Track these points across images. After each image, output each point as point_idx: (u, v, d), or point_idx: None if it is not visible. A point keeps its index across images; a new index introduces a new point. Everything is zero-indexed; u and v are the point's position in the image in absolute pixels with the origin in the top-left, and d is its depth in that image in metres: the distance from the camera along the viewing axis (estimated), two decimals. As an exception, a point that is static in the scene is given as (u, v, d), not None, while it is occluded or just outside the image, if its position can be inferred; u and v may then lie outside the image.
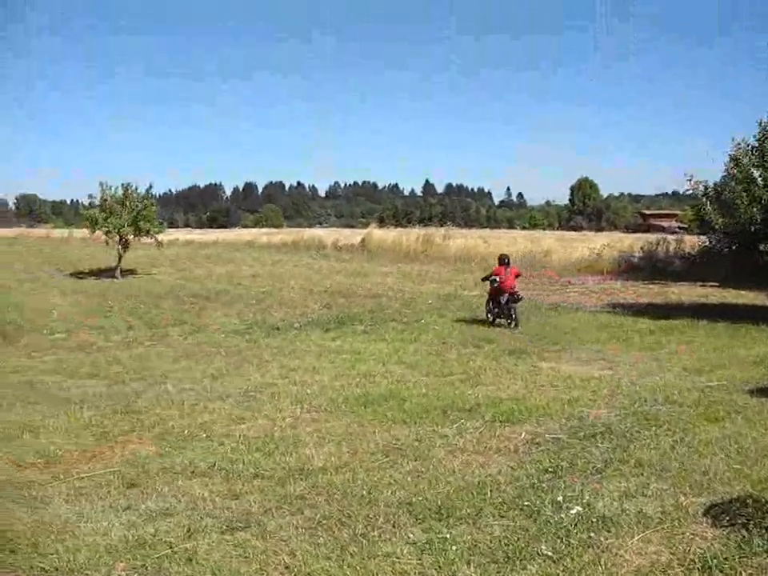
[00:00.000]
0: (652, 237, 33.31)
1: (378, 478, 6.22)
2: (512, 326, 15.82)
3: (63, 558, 4.83)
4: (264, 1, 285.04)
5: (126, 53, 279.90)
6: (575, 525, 5.13)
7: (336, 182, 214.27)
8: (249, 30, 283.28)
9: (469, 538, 4.98)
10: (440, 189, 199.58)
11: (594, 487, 5.87)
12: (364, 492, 5.87)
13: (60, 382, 10.84)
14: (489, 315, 16.69)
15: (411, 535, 5.04)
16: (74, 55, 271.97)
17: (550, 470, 6.34)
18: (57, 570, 4.72)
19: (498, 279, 16.48)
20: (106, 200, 26.57)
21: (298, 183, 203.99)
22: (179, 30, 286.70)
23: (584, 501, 5.56)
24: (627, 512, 5.35)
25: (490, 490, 5.82)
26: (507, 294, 16.19)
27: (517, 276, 17.01)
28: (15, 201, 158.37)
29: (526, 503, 5.53)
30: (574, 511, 5.33)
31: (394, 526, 5.21)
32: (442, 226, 44.75)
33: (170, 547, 4.99)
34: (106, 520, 5.50)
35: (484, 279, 17.42)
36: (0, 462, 7.03)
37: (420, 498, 5.66)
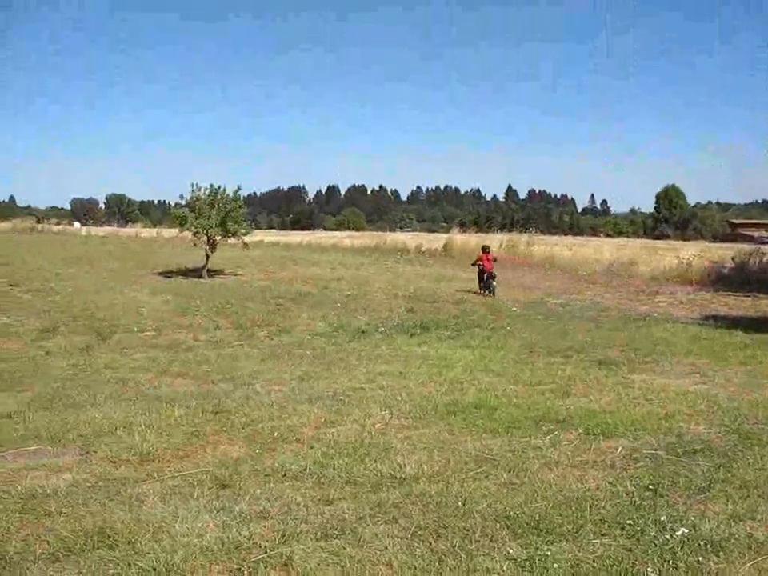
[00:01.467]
0: (745, 247, 32.36)
1: (472, 488, 6.11)
2: (491, 295, 22.74)
3: (161, 558, 4.85)
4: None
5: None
6: (681, 547, 4.93)
7: (418, 186, 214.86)
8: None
9: (570, 556, 4.84)
10: (522, 194, 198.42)
11: (698, 508, 5.66)
12: (459, 503, 5.76)
13: (151, 380, 11.00)
14: (480, 289, 23.57)
15: (510, 550, 4.92)
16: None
17: (650, 487, 6.13)
18: (154, 570, 4.73)
19: (481, 264, 23.69)
20: (195, 200, 26.97)
21: (380, 187, 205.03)
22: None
23: (689, 522, 5.35)
24: (736, 536, 5.12)
25: (590, 506, 5.65)
26: (487, 273, 23.34)
27: (494, 260, 24.31)
28: (105, 200, 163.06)
29: (627, 522, 5.35)
30: (679, 533, 5.13)
31: (491, 540, 5.09)
32: (523, 231, 44.23)
33: (265, 552, 4.97)
34: (201, 521, 5.51)
35: (473, 264, 24.58)
36: (96, 458, 7.15)
37: (517, 512, 5.53)
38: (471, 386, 10.27)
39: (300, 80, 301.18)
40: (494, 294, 22.65)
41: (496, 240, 39.19)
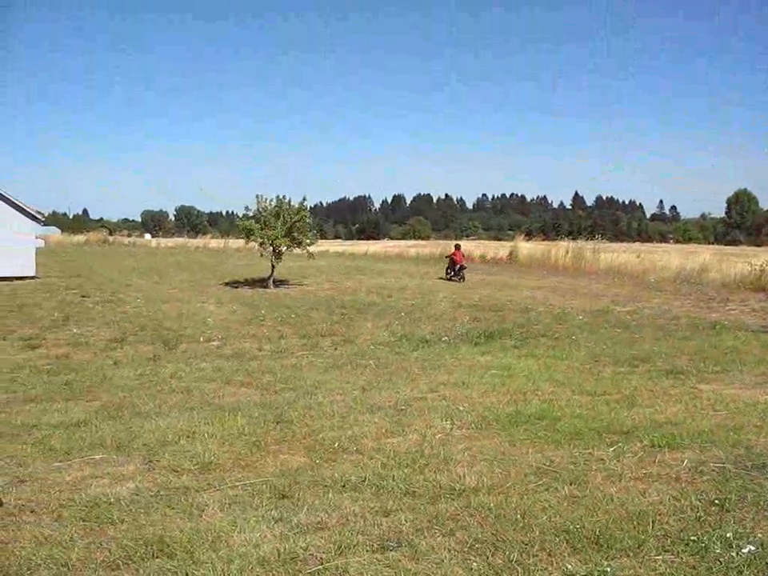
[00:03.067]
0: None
1: (532, 501, 6.00)
2: (462, 280, 30.31)
3: (217, 568, 4.87)
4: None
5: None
6: (748, 566, 4.76)
7: (484, 194, 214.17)
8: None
9: (631, 572, 4.71)
10: (589, 201, 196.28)
11: (766, 524, 5.47)
12: (518, 516, 5.67)
13: (215, 389, 11.10)
14: (447, 276, 31.41)
15: (569, 566, 4.81)
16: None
17: (716, 502, 5.94)
18: (211, 580, 4.77)
19: (453, 257, 31.60)
20: (261, 212, 27.31)
21: (446, 195, 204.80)
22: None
23: (756, 539, 5.16)
24: (806, 555, 4.94)
25: (652, 521, 5.50)
26: (458, 264, 31.06)
27: (463, 256, 32.15)
28: (175, 212, 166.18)
29: (691, 538, 5.19)
30: (745, 550, 4.95)
31: (549, 555, 4.99)
32: (590, 239, 43.68)
33: (321, 563, 4.96)
34: (259, 531, 5.53)
35: (447, 257, 32.99)
36: (159, 467, 7.24)
37: (577, 526, 5.41)
38: (534, 396, 10.13)
39: (359, 90, 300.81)
40: (464, 280, 30.44)
41: (562, 248, 38.87)
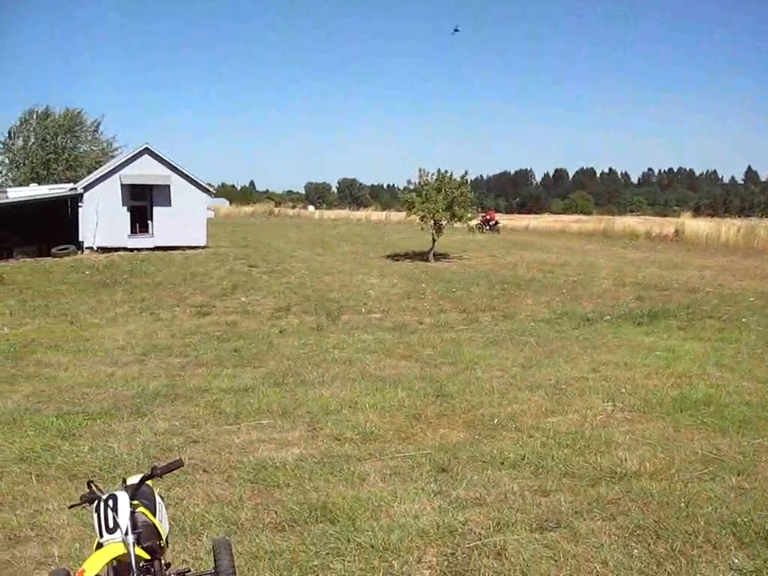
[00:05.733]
0: None
1: (697, 490, 5.84)
2: (497, 232, 41.28)
3: (378, 537, 5.02)
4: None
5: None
6: None
7: (650, 169, 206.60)
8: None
9: (803, 571, 4.52)
10: (764, 176, 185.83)
11: None
12: (682, 504, 5.53)
13: (376, 361, 11.32)
14: (482, 231, 37.08)
15: (735, 560, 4.67)
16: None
17: None
18: (372, 547, 4.91)
19: (486, 216, 42.57)
20: (423, 185, 27.46)
21: (610, 170, 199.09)
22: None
23: None
24: None
25: (827, 519, 5.25)
26: (494, 221, 42.65)
27: (496, 213, 49.78)
28: (337, 184, 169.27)
29: None
30: None
31: (715, 547, 4.85)
32: (764, 216, 41.55)
33: (480, 539, 5.02)
34: (418, 503, 5.66)
35: (482, 214, 40.91)
36: (322, 434, 7.49)
37: (745, 519, 5.22)
38: (700, 380, 9.78)
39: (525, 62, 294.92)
40: (498, 232, 41.33)
41: (733, 226, 37.19)
